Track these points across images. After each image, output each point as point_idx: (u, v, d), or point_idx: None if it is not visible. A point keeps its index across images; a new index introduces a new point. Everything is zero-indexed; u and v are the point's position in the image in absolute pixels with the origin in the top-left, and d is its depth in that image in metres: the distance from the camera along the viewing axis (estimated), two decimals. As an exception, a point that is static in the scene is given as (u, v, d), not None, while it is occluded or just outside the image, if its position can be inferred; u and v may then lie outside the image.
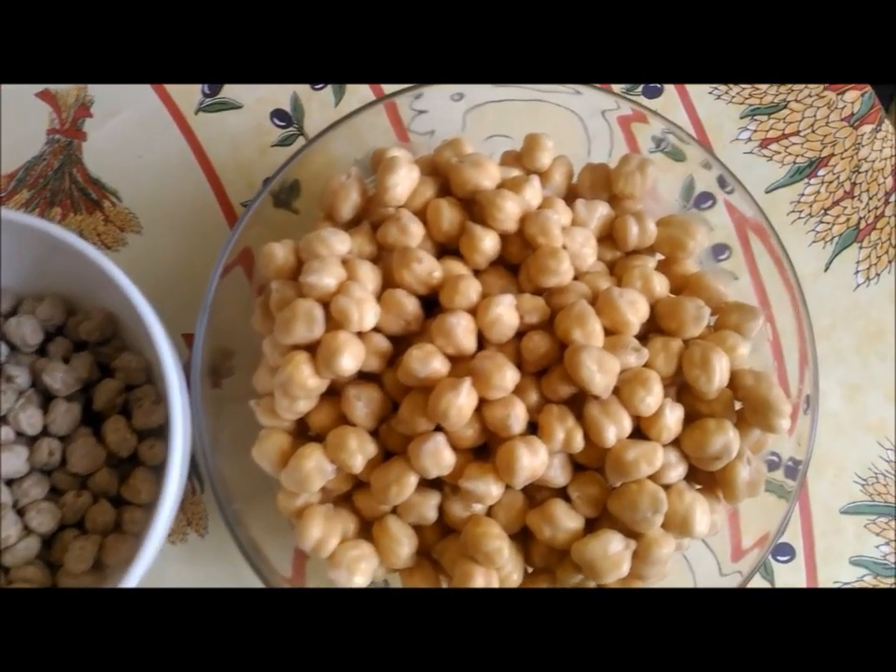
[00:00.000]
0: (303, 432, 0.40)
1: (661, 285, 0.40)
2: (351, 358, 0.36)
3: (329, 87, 0.52)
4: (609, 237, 0.42)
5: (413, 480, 0.37)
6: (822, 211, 0.53)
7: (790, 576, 0.49)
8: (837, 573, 0.50)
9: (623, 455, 0.36)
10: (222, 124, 0.51)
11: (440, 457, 0.36)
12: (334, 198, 0.40)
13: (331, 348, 0.36)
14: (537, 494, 0.39)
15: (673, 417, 0.37)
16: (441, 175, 0.41)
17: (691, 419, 0.38)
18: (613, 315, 0.37)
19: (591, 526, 0.38)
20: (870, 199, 0.53)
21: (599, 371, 0.36)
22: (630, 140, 0.48)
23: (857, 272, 0.52)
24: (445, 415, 0.35)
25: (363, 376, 0.39)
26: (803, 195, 0.53)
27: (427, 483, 0.39)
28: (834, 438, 0.51)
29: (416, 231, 0.39)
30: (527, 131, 0.44)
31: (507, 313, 0.37)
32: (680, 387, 0.40)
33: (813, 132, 0.53)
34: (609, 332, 0.38)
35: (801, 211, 0.53)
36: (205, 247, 0.48)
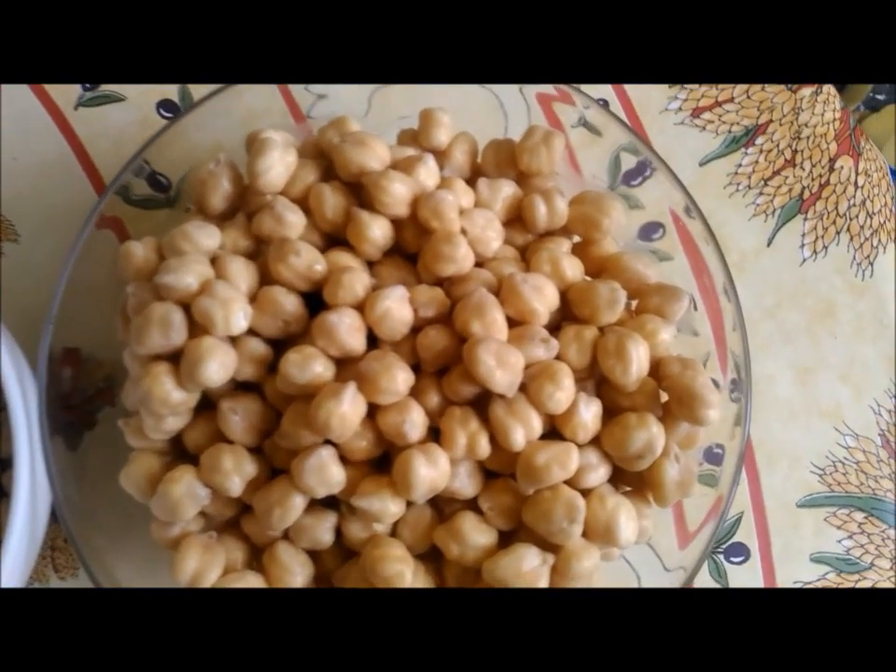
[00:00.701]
0: (182, 454, 0.36)
1: (573, 268, 0.36)
2: (218, 367, 0.32)
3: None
4: (518, 220, 0.38)
5: (298, 501, 0.32)
6: (762, 182, 0.49)
7: (745, 578, 0.45)
8: (797, 572, 0.46)
9: (532, 458, 0.32)
10: (104, 119, 0.47)
11: (325, 473, 0.32)
12: (202, 188, 0.35)
13: (194, 357, 0.32)
14: (446, 507, 0.35)
15: (589, 414, 0.33)
16: (326, 159, 0.37)
17: (612, 415, 0.34)
18: (517, 303, 0.33)
19: (507, 541, 0.34)
20: (813, 167, 0.49)
21: (500, 367, 0.32)
22: (551, 118, 0.44)
23: (802, 245, 0.48)
24: (327, 426, 0.31)
25: (242, 387, 0.34)
26: (740, 166, 0.49)
27: (322, 503, 0.35)
28: (787, 426, 0.47)
29: (294, 219, 0.34)
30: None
31: (398, 306, 0.33)
32: (600, 381, 0.36)
33: (748, 97, 0.49)
34: (514, 323, 0.34)
35: (739, 183, 0.49)
36: (88, 254, 0.44)
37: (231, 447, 0.33)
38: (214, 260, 0.34)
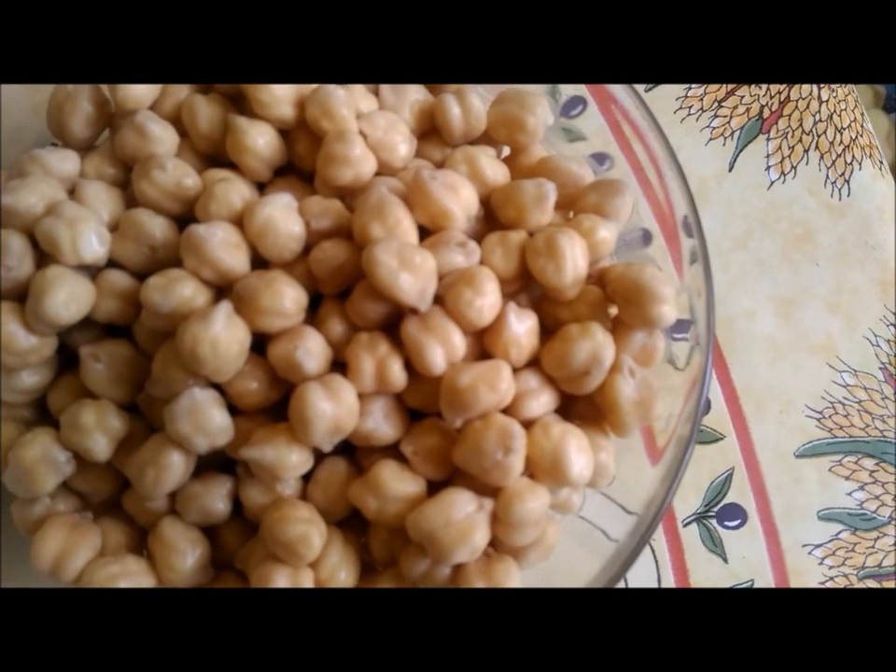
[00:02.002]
0: (50, 422, 0.30)
1: (495, 170, 0.31)
2: (67, 299, 0.26)
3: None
4: (433, 132, 0.33)
5: (175, 458, 0.27)
6: (716, 103, 0.44)
7: (744, 545, 0.39)
8: (804, 534, 0.39)
9: (455, 381, 0.26)
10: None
11: (202, 418, 0.26)
12: (59, 112, 0.31)
13: (38, 288, 0.26)
14: (365, 461, 0.29)
15: (522, 327, 0.28)
16: (204, 75, 0.32)
17: (553, 333, 0.29)
18: (427, 204, 0.28)
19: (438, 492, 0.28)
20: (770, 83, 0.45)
21: (404, 269, 0.26)
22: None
23: (768, 167, 0.44)
24: (195, 356, 0.25)
25: (110, 332, 0.29)
26: (690, 88, 0.44)
27: (216, 467, 0.29)
28: (773, 366, 0.41)
29: (161, 133, 0.29)
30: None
31: (283, 216, 0.28)
32: (538, 298, 0.30)
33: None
34: (428, 232, 0.29)
35: (690, 106, 0.44)
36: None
37: (93, 401, 0.27)
38: (72, 191, 0.29)
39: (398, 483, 0.27)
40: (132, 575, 0.27)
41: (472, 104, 0.32)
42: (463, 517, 0.26)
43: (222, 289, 0.28)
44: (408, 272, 0.26)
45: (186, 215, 0.29)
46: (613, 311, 0.30)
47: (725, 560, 0.38)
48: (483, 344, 0.28)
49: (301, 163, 0.31)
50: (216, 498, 0.28)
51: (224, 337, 0.26)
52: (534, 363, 0.29)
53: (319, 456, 0.28)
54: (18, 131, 0.42)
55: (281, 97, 0.29)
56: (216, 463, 0.29)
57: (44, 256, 0.27)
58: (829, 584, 0.39)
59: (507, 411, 0.27)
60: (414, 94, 0.33)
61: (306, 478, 0.28)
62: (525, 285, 0.29)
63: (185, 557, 0.28)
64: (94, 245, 0.27)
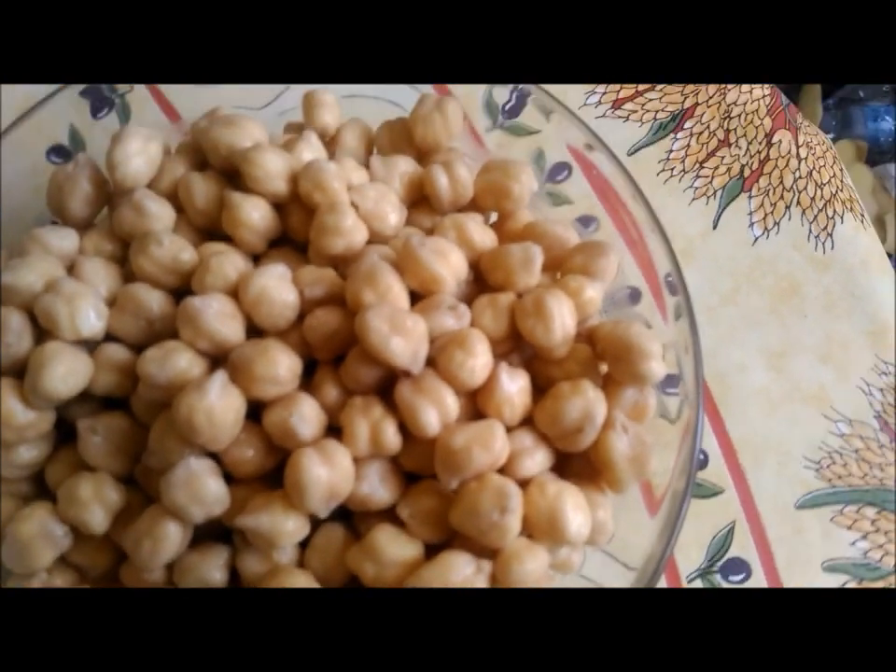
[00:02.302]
0: (48, 497, 0.30)
1: (482, 236, 0.31)
2: (66, 374, 0.27)
3: (114, 113, 0.45)
4: (423, 201, 0.34)
5: (172, 529, 0.27)
6: (697, 165, 0.46)
7: (750, 600, 0.38)
8: (810, 586, 0.39)
9: (450, 442, 0.27)
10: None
11: (197, 488, 0.26)
12: (59, 192, 0.32)
13: (37, 363, 0.27)
14: (362, 525, 0.29)
15: (514, 386, 0.28)
16: (200, 153, 0.33)
17: (544, 390, 0.29)
18: (417, 269, 0.29)
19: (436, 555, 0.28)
20: (749, 143, 0.46)
21: (396, 334, 0.27)
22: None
23: (751, 224, 0.45)
24: (190, 425, 0.26)
25: (108, 404, 0.29)
26: (671, 151, 0.46)
27: (212, 536, 0.29)
28: (768, 418, 0.41)
29: (158, 210, 0.30)
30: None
31: (277, 286, 0.28)
32: (529, 357, 0.31)
33: (669, 83, 0.47)
34: (419, 297, 0.30)
35: (672, 168, 0.46)
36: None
37: (91, 474, 0.28)
38: (71, 268, 0.30)
39: (395, 548, 0.27)
40: (128, 650, 0.27)
41: (459, 173, 0.33)
42: (461, 580, 0.26)
43: (217, 359, 0.29)
44: (400, 336, 0.27)
45: (182, 288, 0.30)
46: (604, 368, 0.30)
47: (731, 617, 0.38)
48: (477, 405, 0.29)
49: (294, 235, 0.32)
50: (212, 568, 0.28)
51: (219, 406, 0.26)
52: (527, 422, 0.29)
53: (316, 523, 0.28)
54: (18, 211, 0.43)
55: (274, 172, 0.30)
56: (212, 533, 0.29)
57: (43, 332, 0.28)
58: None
59: (502, 470, 0.28)
60: (403, 166, 0.34)
61: (303, 545, 0.28)
62: (516, 345, 0.30)
63: (182, 630, 0.27)
64: (92, 319, 0.28)
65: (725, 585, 0.38)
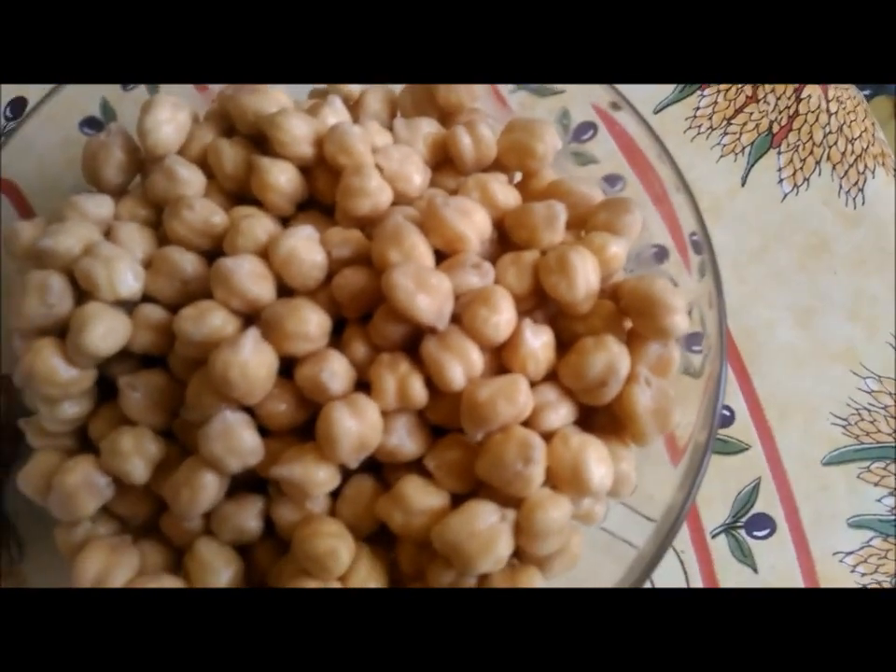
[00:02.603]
0: (90, 451, 0.31)
1: (506, 195, 0.32)
2: (105, 333, 0.28)
3: (143, 86, 0.46)
4: (447, 162, 0.35)
5: (209, 479, 0.28)
6: (725, 121, 0.45)
7: (774, 555, 0.39)
8: (834, 541, 0.39)
9: (475, 395, 0.27)
10: (24, 143, 0.45)
11: (233, 440, 0.27)
12: (93, 161, 0.33)
13: (78, 324, 0.28)
14: (391, 476, 0.30)
15: (538, 341, 0.29)
16: (227, 120, 0.34)
17: (569, 347, 0.30)
18: (441, 229, 0.29)
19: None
20: (778, 99, 0.45)
21: (421, 291, 0.27)
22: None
23: (781, 180, 0.44)
24: (226, 380, 0.27)
25: (146, 362, 0.31)
26: (698, 108, 0.45)
27: (248, 488, 0.30)
28: (795, 375, 0.41)
29: (189, 176, 0.31)
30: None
31: (305, 247, 0.29)
32: (553, 315, 0.31)
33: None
34: (444, 256, 0.30)
35: (700, 126, 0.45)
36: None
37: (131, 428, 0.29)
38: (108, 233, 0.31)
39: (422, 497, 0.28)
40: (171, 594, 0.28)
41: (483, 133, 0.33)
42: (486, 528, 0.27)
43: (250, 318, 0.29)
44: (425, 293, 0.27)
45: (214, 250, 0.31)
46: (628, 324, 0.31)
47: (755, 570, 0.38)
48: (501, 360, 0.29)
49: (321, 197, 0.33)
50: (248, 517, 0.29)
51: (253, 362, 0.27)
52: (551, 377, 0.29)
53: (346, 474, 0.29)
54: (54, 181, 0.44)
55: (300, 136, 0.31)
56: (248, 483, 0.30)
57: (83, 293, 0.29)
58: (864, 593, 0.38)
59: (526, 423, 0.28)
60: (427, 127, 0.34)
61: (334, 495, 0.29)
62: (540, 302, 0.30)
63: (219, 575, 0.29)
64: (130, 281, 0.29)
65: (750, 541, 0.39)
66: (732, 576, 0.38)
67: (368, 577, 0.28)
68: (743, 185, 0.44)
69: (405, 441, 0.29)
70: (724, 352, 0.29)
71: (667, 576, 0.38)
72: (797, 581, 0.38)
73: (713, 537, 0.38)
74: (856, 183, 0.44)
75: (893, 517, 0.40)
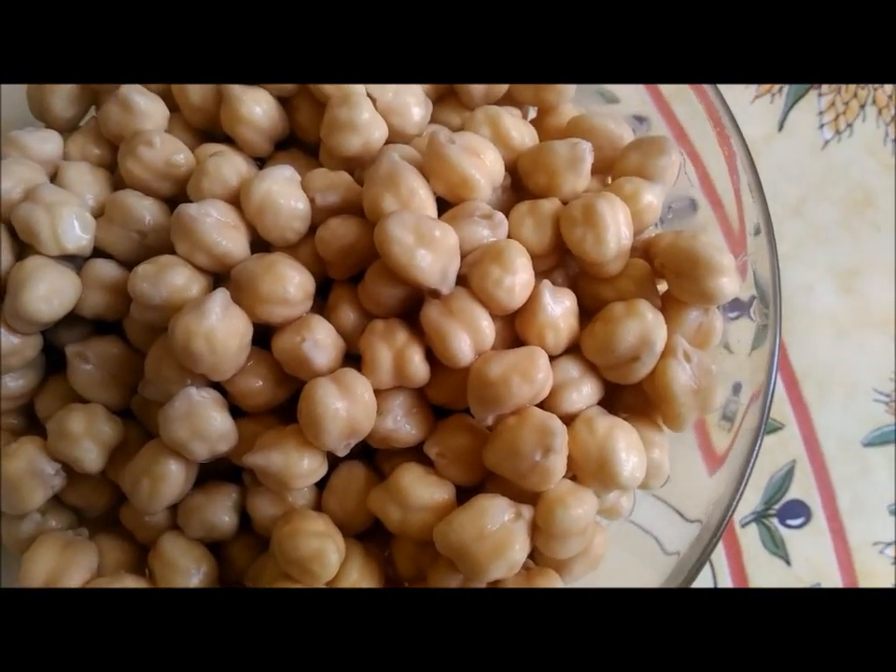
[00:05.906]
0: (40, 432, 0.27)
1: (521, 132, 0.27)
2: (48, 293, 0.24)
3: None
4: (451, 94, 0.30)
5: (173, 468, 0.24)
6: (762, 59, 0.40)
7: (808, 545, 0.35)
8: (874, 530, 0.36)
9: (485, 371, 0.23)
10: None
11: (200, 422, 0.23)
12: (39, 91, 0.28)
13: (15, 282, 0.23)
14: (386, 464, 0.26)
15: (559, 308, 0.24)
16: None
17: (594, 313, 0.25)
18: (445, 171, 0.25)
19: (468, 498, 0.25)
20: (821, 35, 0.40)
21: (422, 245, 0.23)
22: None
23: (821, 125, 0.40)
24: (188, 351, 0.22)
25: (99, 329, 0.26)
26: (733, 43, 0.40)
27: (220, 476, 0.26)
28: (835, 345, 0.37)
29: (149, 107, 0.27)
30: None
31: (284, 192, 0.25)
32: (575, 275, 0.27)
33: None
34: (448, 204, 0.26)
35: (734, 63, 0.40)
36: None
37: (82, 406, 0.25)
38: (54, 175, 0.26)
39: (422, 490, 0.24)
40: (130, 598, 0.24)
41: (494, 60, 0.28)
42: (498, 527, 0.23)
43: (219, 276, 0.25)
44: (426, 248, 0.23)
45: (177, 196, 0.26)
46: (662, 287, 0.26)
47: (788, 562, 0.35)
48: (515, 330, 0.25)
49: (303, 134, 0.28)
50: (220, 511, 0.25)
51: (221, 330, 0.22)
52: (573, 349, 0.25)
53: (334, 462, 0.25)
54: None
55: (279, 60, 0.26)
56: (220, 472, 0.26)
57: (23, 246, 0.25)
58: (904, 585, 0.35)
59: (544, 405, 0.24)
60: (429, 54, 0.29)
61: (320, 486, 0.25)
62: (561, 260, 0.26)
63: (188, 576, 0.25)
64: (76, 231, 0.24)
65: (783, 530, 0.35)
66: (762, 569, 0.34)
67: (359, 581, 0.24)
68: (780, 129, 0.39)
69: (402, 423, 0.25)
70: (779, 321, 0.25)
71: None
72: (833, 575, 0.34)
73: (743, 526, 0.35)
74: (906, 130, 0.39)
75: (939, 503, 0.36)
